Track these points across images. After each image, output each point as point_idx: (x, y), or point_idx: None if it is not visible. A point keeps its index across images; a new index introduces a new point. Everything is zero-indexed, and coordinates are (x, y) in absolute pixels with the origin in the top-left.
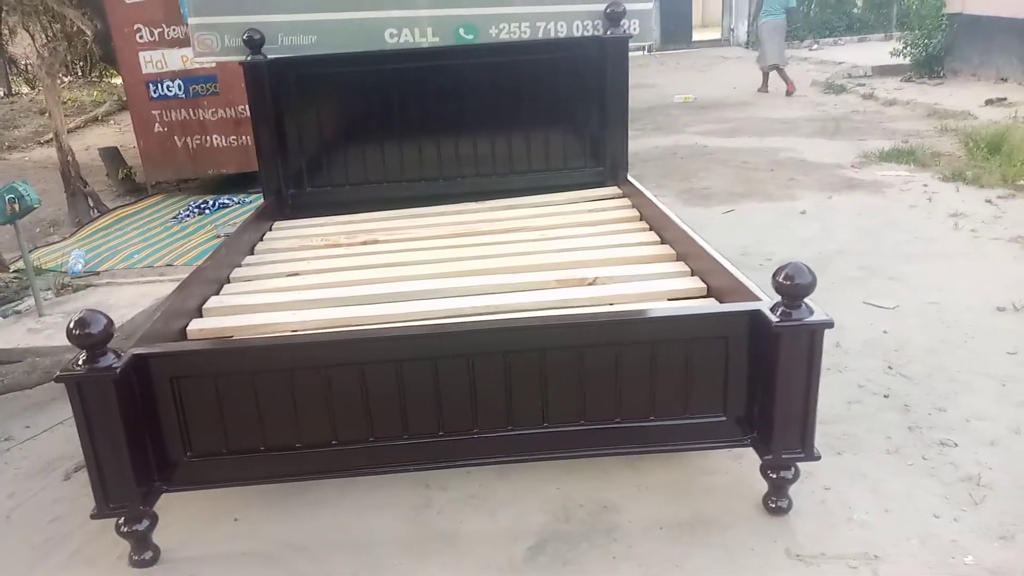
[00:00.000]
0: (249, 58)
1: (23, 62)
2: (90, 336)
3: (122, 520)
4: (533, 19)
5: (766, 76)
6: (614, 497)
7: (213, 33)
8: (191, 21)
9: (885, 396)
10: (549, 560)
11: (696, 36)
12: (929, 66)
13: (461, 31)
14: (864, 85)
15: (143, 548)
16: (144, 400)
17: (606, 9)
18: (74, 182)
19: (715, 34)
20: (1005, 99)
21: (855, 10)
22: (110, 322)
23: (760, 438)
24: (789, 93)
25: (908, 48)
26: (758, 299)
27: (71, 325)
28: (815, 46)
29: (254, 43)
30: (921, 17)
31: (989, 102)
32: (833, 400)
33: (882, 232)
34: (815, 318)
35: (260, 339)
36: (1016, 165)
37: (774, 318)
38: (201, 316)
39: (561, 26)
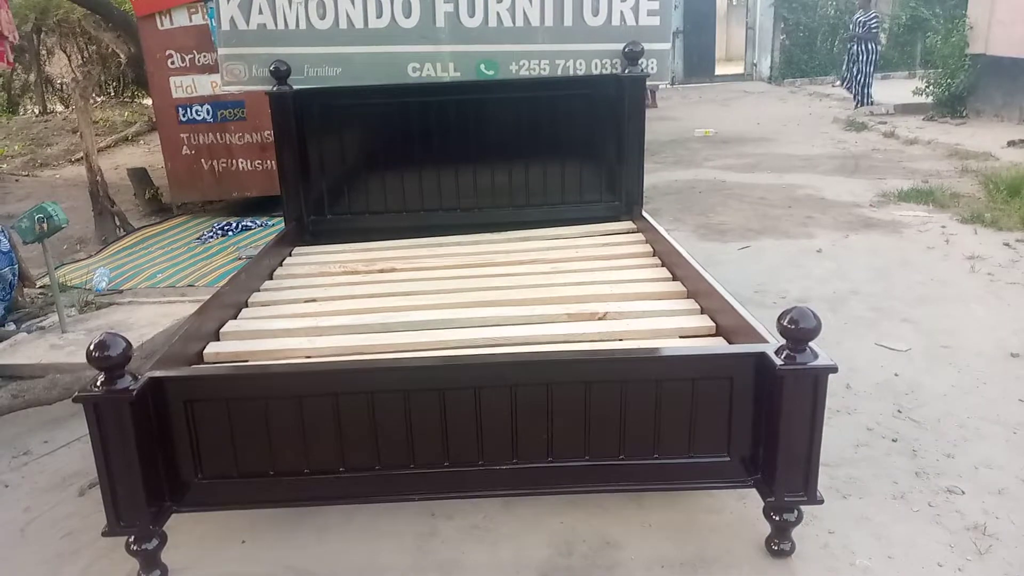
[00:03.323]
0: (275, 88)
1: (59, 81)
2: (109, 358)
3: (132, 538)
4: (553, 57)
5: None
6: (617, 533)
7: (241, 63)
8: (220, 51)
9: (894, 440)
10: None
11: (719, 70)
12: (952, 106)
13: (482, 67)
14: (886, 123)
15: (152, 566)
16: (159, 422)
17: (625, 49)
18: (102, 201)
19: (738, 68)
20: None
21: (879, 47)
22: (128, 345)
23: (763, 480)
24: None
25: (931, 87)
26: (765, 341)
27: (91, 347)
28: (838, 83)
29: (280, 74)
30: (944, 56)
31: (1012, 143)
32: (841, 443)
33: (897, 273)
34: (819, 362)
35: (272, 365)
36: None
37: (778, 361)
38: (219, 339)
39: (580, 64)
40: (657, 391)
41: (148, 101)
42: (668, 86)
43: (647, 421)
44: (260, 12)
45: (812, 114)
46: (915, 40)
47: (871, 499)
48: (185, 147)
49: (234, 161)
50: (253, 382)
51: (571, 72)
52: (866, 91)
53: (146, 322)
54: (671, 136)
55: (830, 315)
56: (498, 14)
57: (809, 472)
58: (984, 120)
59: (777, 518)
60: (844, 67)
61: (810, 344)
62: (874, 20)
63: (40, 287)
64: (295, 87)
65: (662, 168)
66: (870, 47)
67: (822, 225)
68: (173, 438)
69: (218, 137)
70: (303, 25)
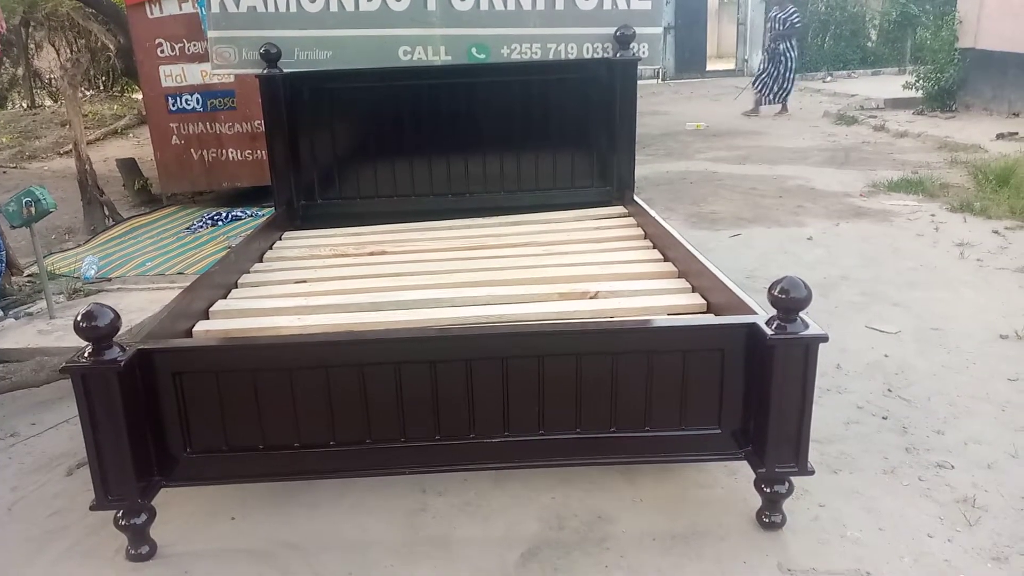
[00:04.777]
0: (265, 71)
1: (47, 76)
2: (96, 329)
3: (121, 513)
4: (544, 40)
5: None
6: (608, 508)
7: (231, 46)
8: (210, 34)
9: (884, 418)
10: (540, 567)
11: (710, 66)
12: (941, 100)
13: (473, 50)
14: (876, 117)
15: (140, 542)
16: (147, 395)
17: (616, 32)
18: (91, 191)
19: (729, 64)
20: (1016, 133)
21: (869, 43)
22: (116, 316)
23: (754, 451)
24: None
25: (920, 81)
26: (755, 313)
27: (78, 318)
28: (828, 79)
29: (270, 57)
30: (934, 51)
31: (1000, 136)
32: (831, 420)
33: (887, 259)
34: (810, 332)
35: (262, 338)
36: None
37: (769, 331)
38: (208, 318)
39: (572, 48)
40: (648, 363)
41: (138, 95)
42: (659, 82)
43: (638, 394)
44: None
45: (803, 108)
46: (905, 36)
47: (861, 474)
48: (175, 137)
49: (224, 151)
50: (242, 354)
51: (563, 56)
52: (787, 89)
53: (135, 308)
54: (662, 129)
55: (821, 299)
56: None
57: (800, 443)
58: (973, 114)
59: (768, 490)
60: (762, 67)
61: (800, 314)
62: (795, 16)
63: (28, 275)
64: (285, 70)
65: (654, 160)
66: (792, 43)
67: (813, 214)
68: (162, 411)
69: (208, 127)
70: (293, 8)
